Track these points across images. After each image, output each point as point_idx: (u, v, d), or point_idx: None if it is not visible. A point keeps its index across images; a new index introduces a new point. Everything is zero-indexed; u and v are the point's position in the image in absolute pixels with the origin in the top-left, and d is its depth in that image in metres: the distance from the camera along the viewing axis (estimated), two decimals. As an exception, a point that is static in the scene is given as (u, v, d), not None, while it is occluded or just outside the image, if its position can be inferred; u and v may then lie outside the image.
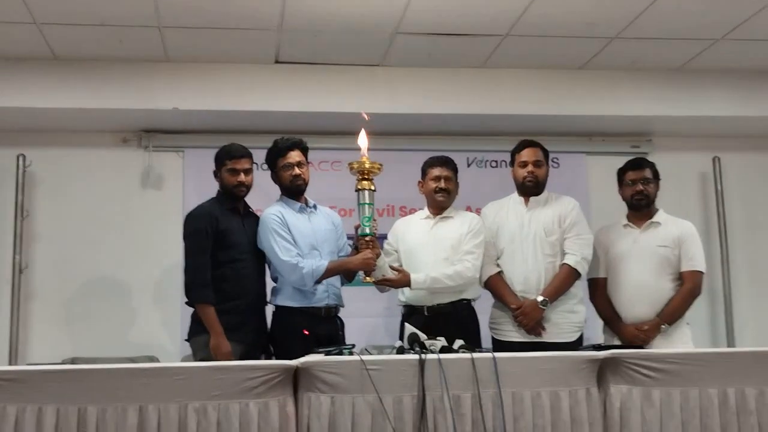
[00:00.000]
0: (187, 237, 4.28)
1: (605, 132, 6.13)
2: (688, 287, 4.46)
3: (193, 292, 4.17)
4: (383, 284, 4.37)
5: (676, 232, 4.53)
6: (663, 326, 4.39)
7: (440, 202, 4.56)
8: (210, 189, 4.48)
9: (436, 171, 4.56)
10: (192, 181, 5.64)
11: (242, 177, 4.31)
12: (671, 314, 4.42)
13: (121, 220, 5.72)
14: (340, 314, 4.45)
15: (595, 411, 3.55)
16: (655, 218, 4.59)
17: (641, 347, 4.17)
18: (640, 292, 4.45)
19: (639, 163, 4.68)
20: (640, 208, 4.59)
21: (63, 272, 5.63)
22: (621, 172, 4.69)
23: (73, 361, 4.74)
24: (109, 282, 5.68)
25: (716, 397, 3.59)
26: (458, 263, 4.41)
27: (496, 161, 6.05)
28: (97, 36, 5.05)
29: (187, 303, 4.25)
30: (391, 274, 4.36)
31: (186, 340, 4.31)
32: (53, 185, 5.71)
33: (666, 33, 5.25)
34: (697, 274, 4.49)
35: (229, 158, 4.33)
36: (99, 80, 5.37)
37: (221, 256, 4.20)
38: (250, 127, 5.57)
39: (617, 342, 4.40)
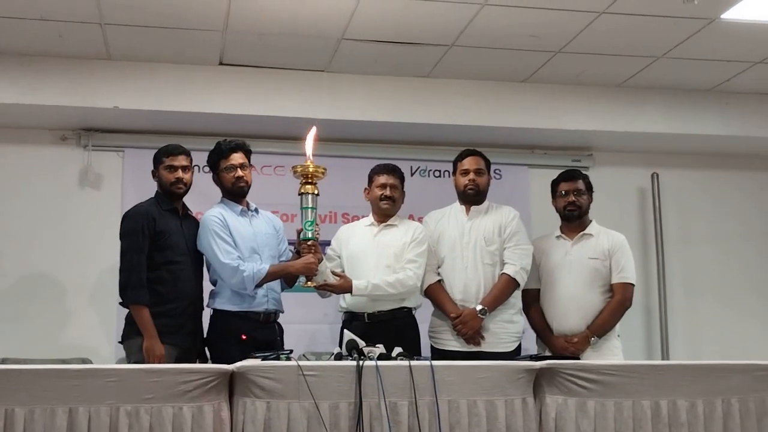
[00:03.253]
0: (123, 236, 4.20)
1: (547, 145, 6.21)
2: (617, 299, 4.51)
3: (128, 293, 4.10)
4: (324, 289, 4.34)
5: (607, 244, 4.58)
6: (593, 338, 4.43)
7: (385, 210, 4.56)
8: (149, 190, 4.42)
9: (382, 179, 4.56)
10: (131, 182, 5.55)
11: (180, 173, 4.26)
12: (601, 326, 4.47)
13: (57, 219, 5.61)
14: (280, 320, 4.41)
15: (531, 421, 3.56)
16: (588, 230, 4.64)
17: (576, 358, 4.19)
18: (571, 304, 4.50)
19: (572, 175, 4.74)
20: (572, 219, 4.64)
21: (-5, 270, 5.49)
22: (554, 184, 4.74)
23: (2, 361, 4.62)
24: (44, 282, 5.55)
25: (649, 408, 3.63)
26: (400, 271, 4.41)
27: (439, 171, 6.07)
28: (36, 30, 4.94)
29: (121, 304, 4.18)
30: (332, 280, 4.33)
31: (120, 342, 4.23)
32: (-12, 181, 5.58)
33: (608, 49, 5.33)
34: (628, 286, 4.55)
35: (166, 155, 4.28)
36: (38, 76, 5.27)
37: (158, 258, 4.14)
38: (192, 128, 5.51)
39: (549, 354, 4.42)
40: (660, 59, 5.47)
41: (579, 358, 4.24)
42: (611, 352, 4.45)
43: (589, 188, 4.71)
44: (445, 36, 5.13)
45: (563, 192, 4.66)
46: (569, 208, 4.62)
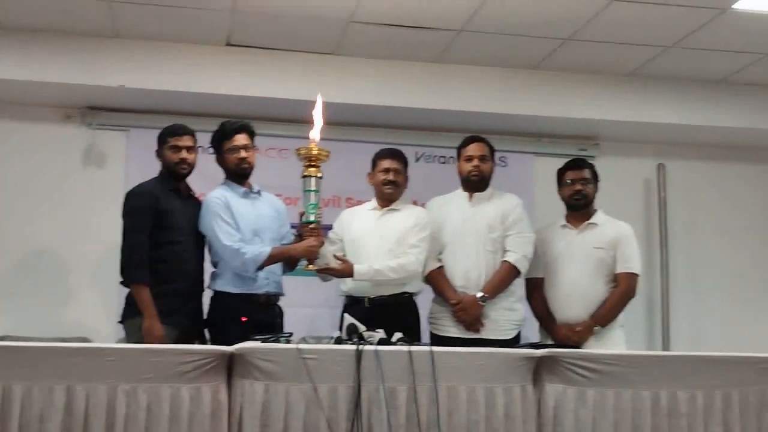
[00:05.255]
0: (126, 215, 4.20)
1: (554, 133, 6.17)
2: (622, 289, 4.49)
3: (129, 272, 4.10)
4: (325, 273, 4.33)
5: (612, 233, 4.56)
6: (596, 328, 4.41)
7: (388, 195, 4.54)
8: (153, 170, 4.40)
9: (386, 163, 4.54)
10: (135, 162, 5.51)
11: (184, 154, 4.24)
12: (604, 316, 4.45)
13: (60, 198, 5.59)
14: (280, 303, 4.41)
15: (530, 409, 3.55)
16: (593, 219, 4.61)
17: (578, 347, 4.18)
18: (575, 293, 4.47)
19: (578, 164, 4.71)
20: (578, 208, 4.61)
21: (-3, 247, 5.49)
22: (560, 173, 4.71)
23: (2, 338, 4.61)
24: (45, 260, 5.55)
25: (649, 399, 3.62)
26: (402, 256, 4.39)
27: (444, 157, 6.03)
28: (42, 6, 4.92)
29: (121, 283, 4.17)
30: (334, 263, 4.32)
31: (119, 322, 4.23)
32: (-9, 159, 5.57)
33: (618, 37, 5.30)
34: (632, 277, 4.53)
35: (171, 135, 4.26)
36: (43, 52, 5.24)
37: (160, 237, 4.13)
38: (197, 109, 5.47)
39: (551, 342, 4.40)
40: (670, 49, 5.43)
41: (581, 347, 4.23)
42: (614, 342, 4.43)
43: (595, 177, 4.68)
44: (454, 21, 5.09)
45: (569, 181, 4.63)
46: (575, 197, 4.60)
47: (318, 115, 4.04)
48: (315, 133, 4.02)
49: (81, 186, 5.64)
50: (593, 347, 4.30)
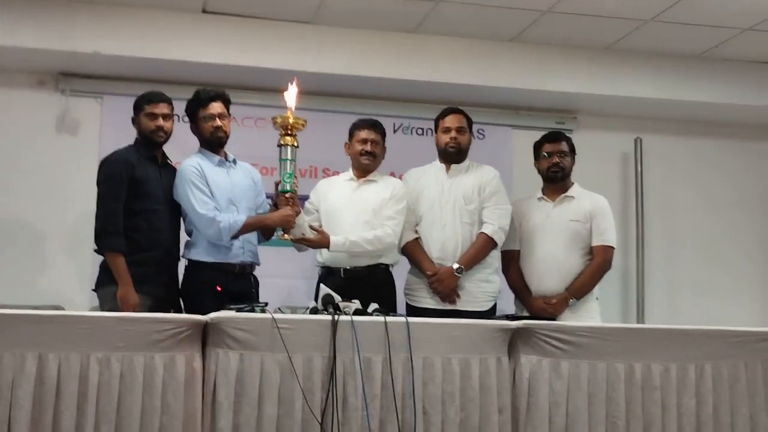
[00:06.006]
0: (100, 183, 4.14)
1: (532, 106, 6.17)
2: (597, 262, 4.50)
3: (103, 240, 4.05)
4: (301, 243, 4.30)
5: (588, 206, 4.57)
6: (571, 300, 4.43)
7: (365, 165, 4.51)
8: (128, 137, 4.36)
9: (363, 133, 4.50)
10: (109, 129, 5.46)
11: (161, 122, 4.19)
12: (579, 289, 4.46)
13: (33, 165, 5.51)
14: (256, 273, 4.39)
15: (505, 380, 3.57)
16: (569, 192, 4.62)
17: (552, 319, 4.19)
18: (551, 265, 4.48)
19: (555, 136, 4.71)
20: (556, 181, 4.61)
21: (-32, 216, 5.42)
22: (537, 146, 4.71)
23: (-27, 306, 4.56)
24: (18, 228, 5.48)
25: (623, 371, 3.64)
26: (378, 228, 4.37)
27: (422, 129, 6.02)
28: (16, -30, 4.84)
29: (96, 251, 4.13)
30: (310, 234, 4.29)
31: (93, 290, 4.19)
32: (-39, 125, 5.47)
33: (597, 11, 5.28)
34: (608, 249, 4.54)
35: (147, 102, 4.21)
36: (16, 17, 5.12)
37: (135, 206, 4.08)
38: (172, 76, 5.40)
39: (526, 314, 4.41)
40: (648, 23, 5.42)
41: (556, 320, 4.24)
42: (589, 314, 4.46)
43: (573, 150, 4.68)
44: (433, -9, 5.06)
45: (546, 153, 4.63)
46: (552, 170, 4.60)
47: (292, 97, 4.00)
48: (290, 101, 3.99)
49: (55, 153, 5.57)
50: (568, 319, 4.32)
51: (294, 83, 4.04)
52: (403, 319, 3.51)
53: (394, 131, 5.92)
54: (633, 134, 6.34)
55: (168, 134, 4.25)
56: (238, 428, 3.26)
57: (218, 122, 4.26)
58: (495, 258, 4.58)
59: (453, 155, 4.57)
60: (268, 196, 4.46)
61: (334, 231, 4.34)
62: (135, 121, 4.26)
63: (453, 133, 4.55)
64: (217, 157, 4.31)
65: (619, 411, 3.60)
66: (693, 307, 6.14)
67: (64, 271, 5.46)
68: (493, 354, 3.56)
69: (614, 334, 3.73)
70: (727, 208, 6.45)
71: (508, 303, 4.73)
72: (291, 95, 4.01)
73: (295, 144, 4.00)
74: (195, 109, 4.30)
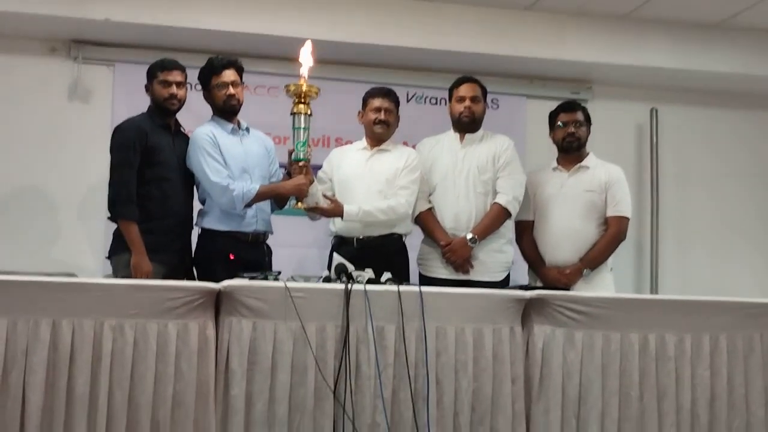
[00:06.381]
0: (113, 150, 4.12)
1: (546, 76, 6.11)
2: (612, 232, 4.48)
3: (117, 208, 4.04)
4: (315, 212, 4.29)
5: (604, 177, 4.54)
6: (585, 271, 4.41)
7: (379, 134, 4.48)
8: (140, 106, 4.33)
9: (377, 102, 4.47)
10: (122, 97, 5.43)
11: (174, 89, 4.16)
12: (594, 259, 4.44)
13: (45, 133, 5.50)
14: (269, 242, 4.38)
15: (518, 350, 3.55)
16: (585, 162, 4.59)
17: (566, 290, 4.17)
18: (565, 236, 4.46)
19: (571, 106, 4.67)
20: (571, 151, 4.58)
21: (-19, 185, 5.42)
22: (553, 115, 4.67)
23: (-13, 274, 4.58)
24: (32, 197, 5.48)
25: (637, 342, 3.63)
26: (392, 198, 4.36)
27: (435, 98, 5.97)
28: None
29: (109, 218, 4.12)
30: (323, 203, 4.27)
31: (107, 257, 4.19)
32: (-27, 93, 5.46)
33: (614, -22, 5.22)
34: (623, 220, 4.51)
35: (160, 70, 4.18)
36: (27, -17, 5.11)
37: (148, 174, 4.07)
38: (185, 44, 5.36)
39: (540, 285, 4.39)
40: (666, -9, 5.36)
41: (570, 290, 4.22)
42: (603, 285, 4.44)
43: (588, 120, 4.64)
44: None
45: (562, 123, 4.59)
46: (568, 140, 4.56)
47: (306, 57, 3.95)
48: (304, 70, 3.95)
49: (67, 121, 5.56)
50: (582, 290, 4.31)
51: (307, 46, 3.97)
52: (416, 288, 3.49)
53: (408, 100, 5.88)
54: (649, 104, 6.28)
55: (181, 102, 4.23)
56: (251, 396, 3.27)
57: (231, 90, 4.23)
58: (509, 228, 4.55)
59: (467, 125, 4.53)
60: (281, 165, 4.44)
61: (348, 200, 4.33)
62: (148, 88, 4.24)
63: (467, 102, 4.51)
64: (230, 125, 4.29)
65: (632, 382, 3.59)
66: (707, 278, 6.12)
67: (78, 238, 5.47)
68: (506, 324, 3.54)
69: (628, 304, 3.72)
70: (743, 179, 6.39)
71: (521, 273, 4.72)
72: (306, 55, 3.95)
73: (309, 112, 3.96)
74: (208, 76, 4.28)
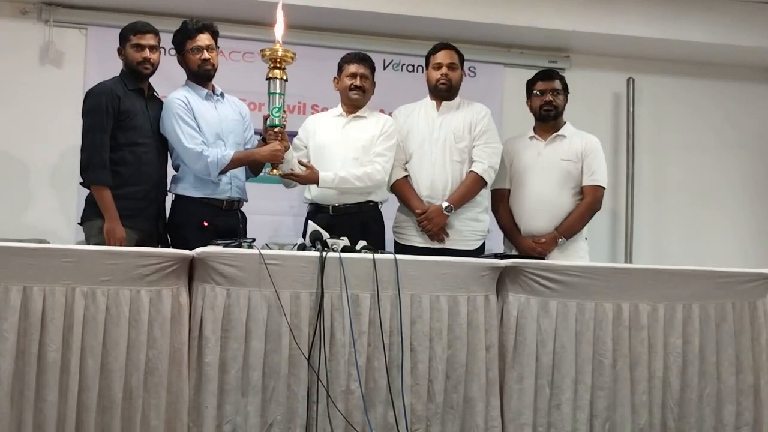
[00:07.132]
0: (86, 114, 4.06)
1: (524, 44, 6.08)
2: (587, 202, 4.49)
3: (89, 173, 3.99)
4: (290, 179, 4.27)
5: (580, 146, 4.54)
6: (560, 240, 4.42)
7: (355, 100, 4.45)
8: (113, 70, 4.28)
9: (352, 68, 4.43)
10: (94, 61, 5.36)
11: (147, 53, 4.10)
12: (569, 228, 4.46)
13: (16, 97, 5.40)
14: (243, 209, 4.35)
15: (492, 318, 3.56)
16: (561, 131, 4.58)
17: (541, 258, 4.18)
18: (541, 204, 4.47)
19: (548, 74, 4.66)
20: (548, 119, 4.57)
21: (-50, 149, 5.33)
22: (530, 83, 4.66)
23: (-43, 240, 4.51)
24: (2, 161, 5.39)
25: (611, 310, 3.65)
26: (368, 165, 4.33)
27: (412, 65, 5.93)
28: None
29: (82, 184, 4.08)
30: (299, 170, 4.24)
31: (79, 223, 4.15)
32: (-58, 55, 5.35)
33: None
34: (598, 189, 4.52)
35: (133, 33, 4.11)
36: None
37: (121, 138, 4.02)
38: (159, 8, 5.29)
39: (515, 253, 4.40)
40: (645, -41, 5.33)
41: (545, 259, 4.23)
42: (578, 254, 4.46)
43: (565, 89, 4.64)
44: None
45: (539, 92, 4.58)
46: (545, 108, 4.55)
47: (279, 20, 3.90)
48: (278, 34, 3.90)
49: (38, 85, 5.46)
50: (557, 259, 4.33)
51: (279, 9, 3.92)
52: (391, 256, 3.49)
53: (384, 68, 5.83)
54: (626, 74, 6.27)
55: (155, 66, 4.17)
56: (225, 363, 3.26)
57: (206, 54, 4.18)
58: (484, 197, 4.56)
59: (444, 92, 4.50)
60: (256, 132, 4.39)
61: (323, 167, 4.30)
62: (121, 52, 4.18)
63: (444, 69, 4.48)
64: (204, 91, 4.24)
65: (606, 350, 3.62)
66: (681, 248, 6.17)
67: (49, 204, 5.40)
68: (481, 292, 3.55)
69: (603, 273, 3.72)
70: (718, 150, 6.41)
71: (497, 242, 4.72)
72: (279, 25, 3.91)
73: (284, 77, 3.92)
74: (182, 41, 4.22)
